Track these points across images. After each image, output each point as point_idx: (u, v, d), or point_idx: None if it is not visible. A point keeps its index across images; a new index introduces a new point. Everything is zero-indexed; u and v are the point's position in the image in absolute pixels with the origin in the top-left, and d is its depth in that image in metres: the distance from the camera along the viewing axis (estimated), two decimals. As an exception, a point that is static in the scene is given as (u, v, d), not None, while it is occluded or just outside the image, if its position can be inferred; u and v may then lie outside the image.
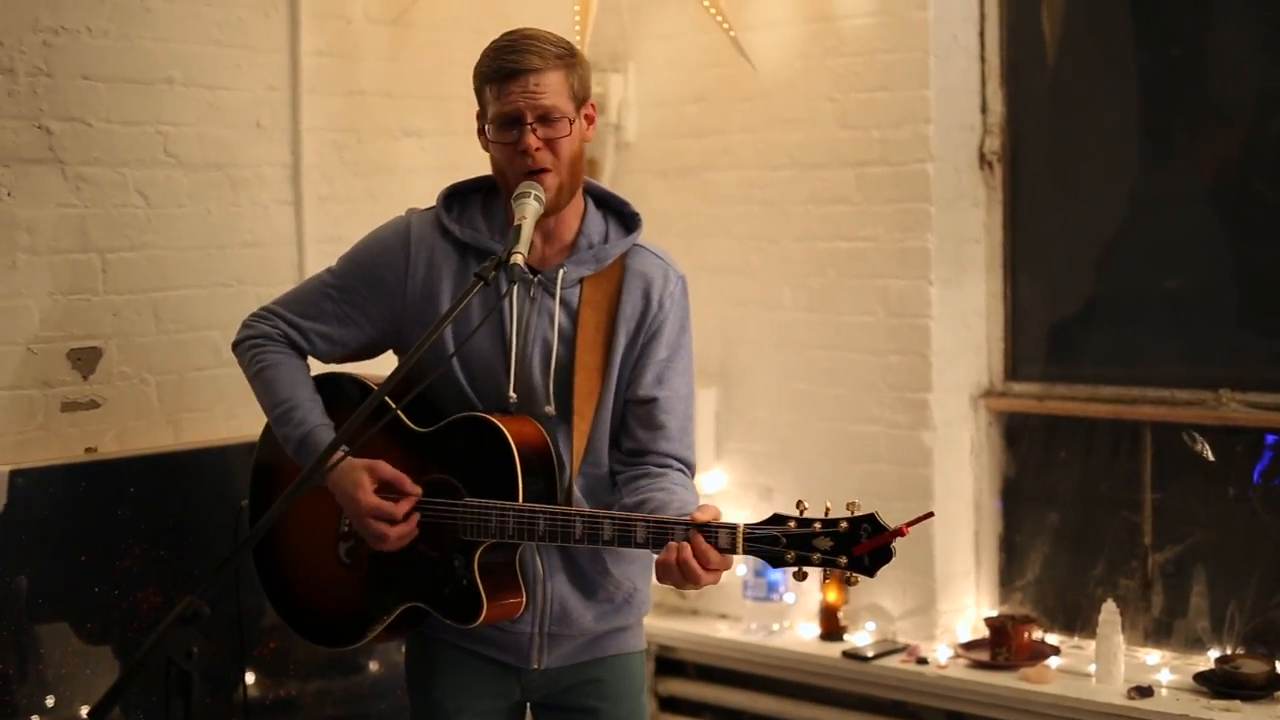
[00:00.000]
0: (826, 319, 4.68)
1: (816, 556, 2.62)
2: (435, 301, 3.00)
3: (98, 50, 3.78)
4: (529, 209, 2.84)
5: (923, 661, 4.36)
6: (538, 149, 2.89)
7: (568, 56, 2.93)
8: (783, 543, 2.63)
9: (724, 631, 4.76)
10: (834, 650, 4.50)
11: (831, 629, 4.59)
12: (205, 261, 4.02)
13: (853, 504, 2.62)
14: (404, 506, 2.89)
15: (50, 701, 3.49)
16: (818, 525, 2.63)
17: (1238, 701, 3.91)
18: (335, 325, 3.08)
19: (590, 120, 3.00)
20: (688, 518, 2.71)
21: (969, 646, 4.41)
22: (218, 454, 3.87)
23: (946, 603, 4.55)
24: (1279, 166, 4.28)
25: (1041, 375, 4.62)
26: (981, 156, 4.60)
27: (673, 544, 2.68)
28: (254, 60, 4.11)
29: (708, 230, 4.89)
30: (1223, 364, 4.30)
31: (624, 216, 3.10)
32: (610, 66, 4.97)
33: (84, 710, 3.52)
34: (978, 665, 4.30)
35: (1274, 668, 4.02)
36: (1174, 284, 4.40)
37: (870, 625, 4.57)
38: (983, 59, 4.60)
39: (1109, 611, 4.15)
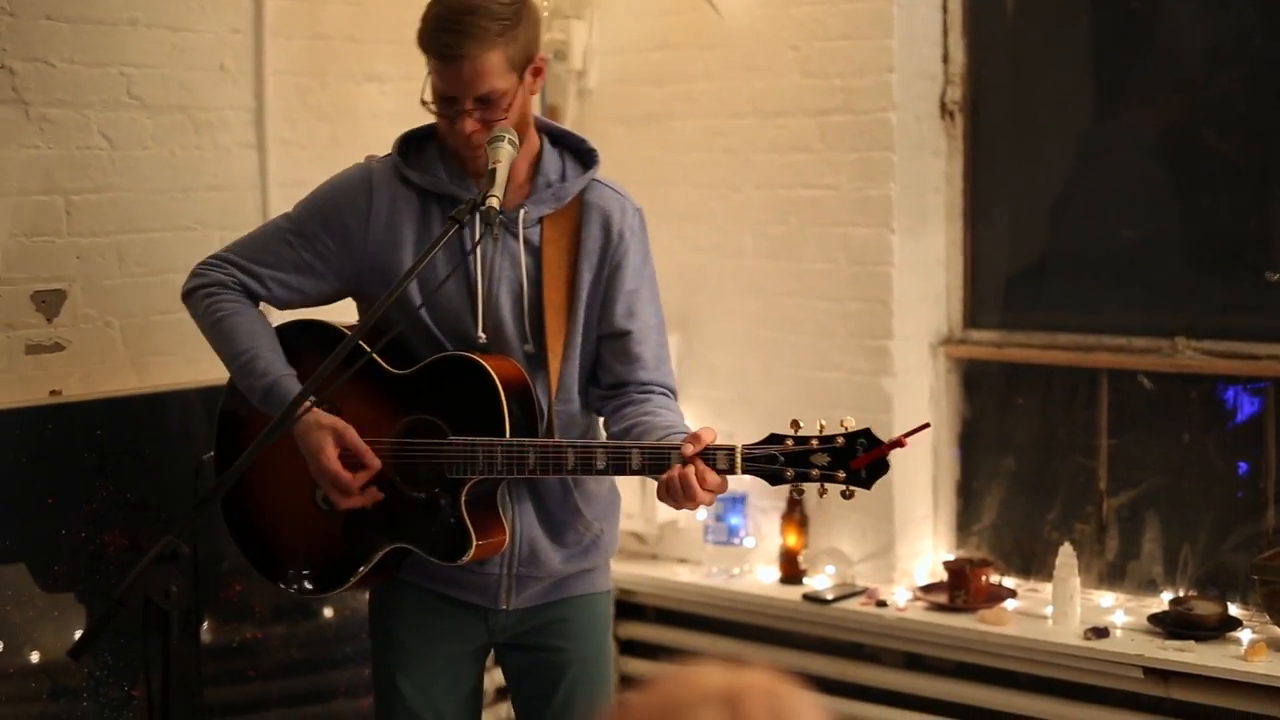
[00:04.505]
0: (788, 266, 4.70)
1: (815, 473, 2.66)
2: (398, 249, 2.99)
3: (61, -10, 3.74)
4: (503, 153, 2.83)
5: (882, 604, 4.41)
6: (474, 131, 2.88)
7: (509, 29, 2.85)
8: (780, 461, 2.66)
9: (684, 575, 4.78)
10: (794, 593, 4.54)
11: (791, 572, 4.62)
12: (169, 204, 4.00)
13: (846, 420, 2.66)
14: (361, 479, 2.91)
15: (13, 644, 3.49)
16: (814, 441, 2.67)
17: (1191, 642, 3.98)
18: (293, 272, 3.04)
19: (538, 73, 2.96)
20: (682, 441, 2.72)
21: (927, 589, 4.46)
22: (182, 397, 3.86)
23: (905, 546, 4.60)
24: (1233, 118, 4.33)
25: (1000, 323, 4.66)
26: (943, 106, 4.63)
27: (674, 466, 2.70)
28: (217, 2, 4.08)
29: (669, 178, 4.89)
30: (1178, 312, 4.35)
31: (580, 153, 3.09)
32: (573, 13, 4.94)
33: (34, 655, 3.49)
34: (936, 608, 4.36)
35: (1226, 609, 4.09)
36: (1130, 234, 4.45)
37: (830, 569, 4.61)
38: (945, 8, 4.61)
39: (1065, 555, 4.21)
